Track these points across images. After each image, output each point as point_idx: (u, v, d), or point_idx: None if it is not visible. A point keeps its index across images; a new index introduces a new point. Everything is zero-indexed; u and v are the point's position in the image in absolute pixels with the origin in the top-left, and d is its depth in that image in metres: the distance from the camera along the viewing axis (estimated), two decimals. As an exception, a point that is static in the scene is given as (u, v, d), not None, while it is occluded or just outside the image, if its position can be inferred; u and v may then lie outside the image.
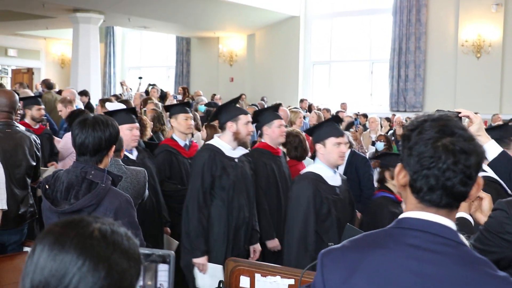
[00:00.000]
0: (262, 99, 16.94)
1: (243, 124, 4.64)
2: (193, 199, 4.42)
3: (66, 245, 1.23)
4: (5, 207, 3.65)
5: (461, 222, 2.52)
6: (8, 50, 23.53)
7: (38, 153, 5.00)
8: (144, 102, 10.16)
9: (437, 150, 1.61)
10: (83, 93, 12.02)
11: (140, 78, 15.90)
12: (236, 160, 4.66)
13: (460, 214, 2.60)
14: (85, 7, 16.55)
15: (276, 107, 5.79)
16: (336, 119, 4.92)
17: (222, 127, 4.70)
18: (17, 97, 5.09)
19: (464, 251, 1.64)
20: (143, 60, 25.20)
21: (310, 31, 20.01)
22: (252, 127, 4.98)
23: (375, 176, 6.19)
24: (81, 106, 9.75)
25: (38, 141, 5.15)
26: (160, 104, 9.65)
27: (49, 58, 24.92)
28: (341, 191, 4.40)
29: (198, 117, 8.69)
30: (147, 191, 4.39)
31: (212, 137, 5.00)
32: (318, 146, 4.31)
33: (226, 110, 4.70)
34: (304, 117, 10.20)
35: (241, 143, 4.73)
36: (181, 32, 21.69)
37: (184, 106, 5.97)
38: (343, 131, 4.51)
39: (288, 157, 5.81)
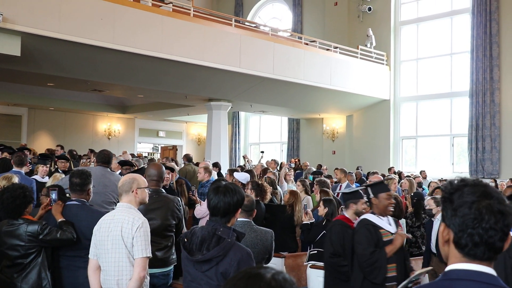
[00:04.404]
0: (357, 168, 16.50)
1: None
2: None
3: None
4: (149, 255, 3.66)
5: None
6: (159, 132, 24.70)
7: (179, 213, 4.93)
8: (264, 172, 10.17)
9: (480, 212, 1.56)
10: (215, 165, 12.19)
11: (262, 152, 15.98)
12: None
13: None
14: (217, 97, 17.01)
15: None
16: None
17: None
18: (164, 169, 5.12)
19: None
20: (262, 138, 25.44)
21: (399, 111, 19.54)
22: None
23: None
24: (215, 175, 9.87)
25: (181, 203, 5.11)
26: (277, 173, 9.57)
27: (189, 137, 25.72)
28: None
29: (308, 184, 8.47)
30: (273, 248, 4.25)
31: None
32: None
33: None
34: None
35: None
36: (292, 115, 21.81)
37: None
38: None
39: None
